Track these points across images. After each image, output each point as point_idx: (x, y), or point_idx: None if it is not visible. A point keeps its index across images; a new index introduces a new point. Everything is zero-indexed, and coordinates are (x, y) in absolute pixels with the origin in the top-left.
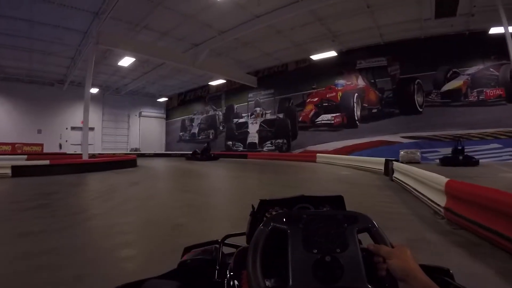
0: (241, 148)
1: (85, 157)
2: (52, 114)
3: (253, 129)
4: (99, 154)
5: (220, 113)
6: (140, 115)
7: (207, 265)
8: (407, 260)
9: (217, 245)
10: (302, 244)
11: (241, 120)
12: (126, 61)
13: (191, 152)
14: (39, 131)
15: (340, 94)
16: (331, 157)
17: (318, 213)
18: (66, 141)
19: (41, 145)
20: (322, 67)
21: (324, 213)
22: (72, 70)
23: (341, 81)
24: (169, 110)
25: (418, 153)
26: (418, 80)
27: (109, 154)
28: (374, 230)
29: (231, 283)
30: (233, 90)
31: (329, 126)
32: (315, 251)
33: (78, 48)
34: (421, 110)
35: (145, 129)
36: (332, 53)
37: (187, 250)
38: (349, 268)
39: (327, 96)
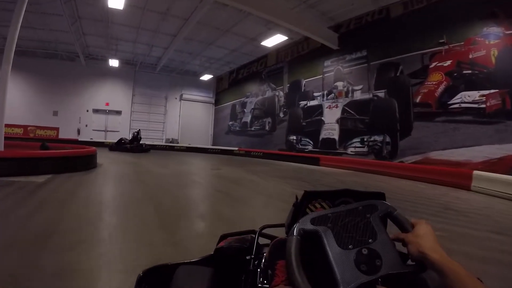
0: (310, 147)
1: None
2: (71, 94)
3: (330, 116)
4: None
5: (281, 93)
6: (181, 98)
7: (242, 253)
8: (420, 243)
9: (253, 235)
10: (336, 243)
11: (312, 103)
12: None
13: (115, 141)
14: (55, 113)
15: (495, 53)
16: None
17: (341, 209)
18: (86, 125)
19: (57, 129)
20: (455, 6)
21: (345, 208)
22: (79, 37)
23: (494, 29)
24: (218, 94)
25: None
26: None
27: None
28: (393, 214)
29: (265, 272)
30: (300, 58)
31: (476, 114)
32: (351, 246)
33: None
34: None
35: (187, 116)
36: None
37: (223, 237)
38: (386, 255)
39: (470, 56)
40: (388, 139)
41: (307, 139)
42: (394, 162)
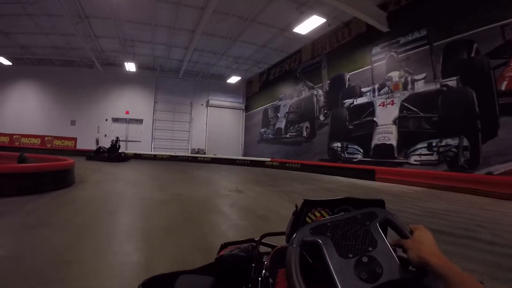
0: (359, 156)
1: None
2: (89, 102)
3: (385, 116)
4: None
5: (321, 92)
6: (207, 105)
7: (243, 262)
8: (419, 249)
9: (254, 244)
10: (336, 252)
11: (360, 101)
12: None
13: (93, 150)
14: (73, 123)
15: None
16: None
17: (339, 217)
18: (105, 135)
19: (74, 139)
20: None
21: (344, 216)
22: (90, 40)
23: None
24: (249, 98)
25: None
26: None
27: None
28: (392, 221)
29: (266, 280)
30: (340, 49)
31: None
32: (351, 255)
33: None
34: None
35: (215, 123)
36: None
37: (224, 246)
38: (386, 263)
39: None
40: (465, 142)
41: (356, 146)
42: (484, 175)
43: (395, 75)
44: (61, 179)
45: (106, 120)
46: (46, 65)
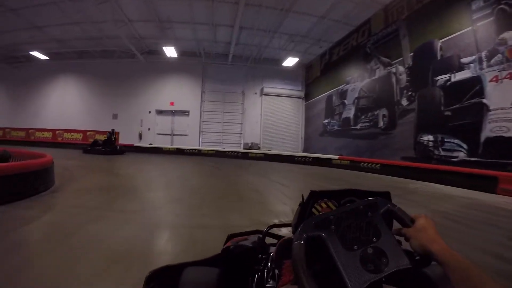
0: (461, 154)
1: None
2: (131, 94)
3: (501, 96)
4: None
5: (401, 68)
6: (262, 93)
7: (249, 253)
8: (421, 237)
9: (260, 235)
10: (341, 245)
11: (459, 76)
12: None
13: (89, 143)
14: (115, 116)
15: None
16: None
17: (342, 210)
18: (149, 129)
19: (116, 133)
20: None
21: (346, 208)
22: (123, 24)
23: None
24: (309, 86)
25: None
26: None
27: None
28: (394, 211)
29: (272, 272)
30: (424, 10)
31: None
32: (356, 247)
33: None
34: None
35: (271, 114)
36: None
37: (230, 237)
38: (391, 252)
39: None
40: None
41: (456, 140)
42: None
43: (511, 36)
44: (28, 185)
45: (150, 112)
46: (86, 58)
